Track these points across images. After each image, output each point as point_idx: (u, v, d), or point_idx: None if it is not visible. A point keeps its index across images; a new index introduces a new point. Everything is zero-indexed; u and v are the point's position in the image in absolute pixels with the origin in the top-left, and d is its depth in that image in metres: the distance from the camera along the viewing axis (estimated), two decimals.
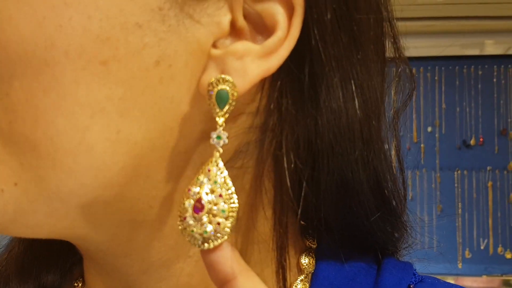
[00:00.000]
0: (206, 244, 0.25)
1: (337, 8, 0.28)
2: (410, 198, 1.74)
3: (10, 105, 0.25)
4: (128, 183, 0.27)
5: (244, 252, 0.32)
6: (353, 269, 0.34)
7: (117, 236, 0.29)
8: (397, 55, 0.33)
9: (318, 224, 0.32)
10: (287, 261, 0.31)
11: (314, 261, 0.34)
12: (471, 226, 1.72)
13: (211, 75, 0.27)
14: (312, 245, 0.35)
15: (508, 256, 1.70)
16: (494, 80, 1.74)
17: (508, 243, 1.71)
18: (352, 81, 0.29)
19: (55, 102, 0.25)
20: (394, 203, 0.33)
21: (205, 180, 0.26)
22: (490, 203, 1.72)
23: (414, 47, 1.34)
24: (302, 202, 0.30)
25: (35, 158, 0.25)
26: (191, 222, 0.26)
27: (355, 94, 0.29)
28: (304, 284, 0.33)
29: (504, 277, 1.68)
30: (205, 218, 0.25)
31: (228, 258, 0.25)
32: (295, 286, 0.33)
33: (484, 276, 1.68)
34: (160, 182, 0.28)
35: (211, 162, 0.26)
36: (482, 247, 1.71)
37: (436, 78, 1.77)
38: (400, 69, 0.34)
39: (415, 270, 0.35)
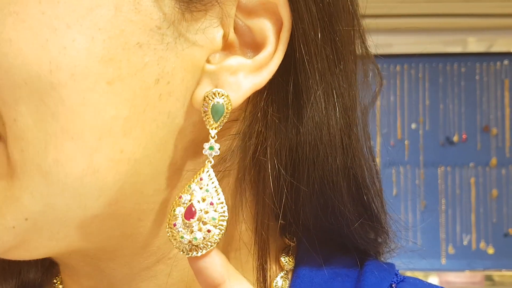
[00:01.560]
0: (194, 252, 0.26)
1: (321, 22, 0.29)
2: (394, 194, 1.75)
3: (18, 132, 0.25)
4: (124, 200, 0.27)
5: (226, 250, 0.32)
6: (334, 268, 0.35)
7: (105, 247, 0.29)
8: (365, 54, 0.34)
9: (297, 228, 0.33)
10: (268, 259, 0.31)
11: (293, 259, 0.35)
12: (454, 222, 1.74)
13: (205, 89, 0.27)
14: (291, 243, 0.36)
15: (490, 251, 1.71)
16: (477, 77, 1.75)
17: (491, 238, 1.72)
18: (334, 92, 0.30)
19: (64, 126, 0.25)
20: (375, 208, 0.33)
21: (197, 188, 0.26)
22: (473, 199, 1.74)
23: (397, 44, 1.34)
24: (283, 207, 0.31)
25: (46, 186, 0.25)
26: (181, 229, 0.26)
27: (336, 105, 0.30)
28: (284, 281, 0.34)
29: (486, 272, 1.70)
30: (195, 226, 0.26)
31: (217, 264, 0.25)
32: (276, 283, 0.33)
33: (467, 271, 1.70)
34: (151, 196, 0.29)
35: (203, 171, 0.27)
36: (465, 243, 1.73)
37: (420, 75, 1.78)
38: (369, 67, 0.35)
39: (397, 270, 0.35)
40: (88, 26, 0.25)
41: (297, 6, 0.28)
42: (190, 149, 0.29)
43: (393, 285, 0.35)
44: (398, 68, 1.78)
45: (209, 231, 0.26)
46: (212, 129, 0.27)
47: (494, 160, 1.74)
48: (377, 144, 1.77)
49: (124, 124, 0.26)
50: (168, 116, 0.27)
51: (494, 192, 1.73)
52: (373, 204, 0.34)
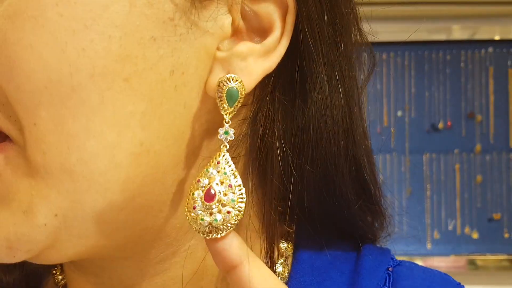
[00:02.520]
0: (214, 234, 0.26)
1: (323, 4, 0.30)
2: (380, 180, 1.77)
3: (39, 135, 0.25)
4: (146, 193, 0.28)
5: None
6: (333, 253, 0.36)
7: (123, 244, 0.30)
8: (361, 40, 0.35)
9: (301, 212, 0.33)
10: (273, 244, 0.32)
11: (292, 245, 0.36)
12: (439, 208, 1.76)
13: (218, 76, 0.28)
14: (289, 230, 0.36)
15: (474, 236, 1.74)
16: (462, 65, 1.77)
17: (475, 223, 1.75)
18: (337, 75, 0.32)
19: (85, 126, 0.25)
20: (372, 189, 0.34)
21: (214, 172, 0.27)
22: (457, 185, 1.76)
23: (384, 32, 1.35)
24: (287, 189, 0.32)
25: (72, 183, 0.26)
26: (200, 211, 0.27)
27: (339, 87, 0.32)
28: (284, 267, 0.34)
29: (470, 257, 1.73)
30: (215, 208, 0.26)
31: (235, 246, 0.26)
32: (276, 269, 0.34)
33: (452, 256, 1.73)
34: (171, 186, 0.29)
35: (219, 155, 0.28)
36: (450, 228, 1.75)
37: (405, 63, 1.79)
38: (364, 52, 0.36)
39: (393, 255, 0.36)
40: (105, 25, 0.25)
41: None
42: (206, 137, 0.30)
43: (389, 268, 0.37)
44: (384, 56, 1.79)
45: (228, 212, 0.26)
46: (226, 114, 0.28)
47: (478, 147, 1.76)
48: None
49: (142, 118, 0.26)
50: (184, 107, 0.28)
51: (479, 178, 1.75)
52: (371, 185, 0.35)
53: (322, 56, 0.30)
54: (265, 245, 0.32)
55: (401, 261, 0.38)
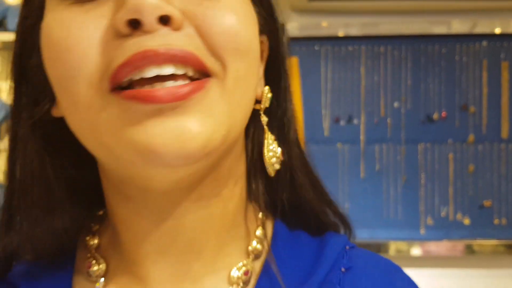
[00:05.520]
0: (273, 170, 0.44)
1: (283, 37, 0.46)
2: (376, 169, 1.84)
3: (238, 76, 0.39)
4: (240, 131, 0.42)
5: (242, 201, 0.45)
6: (302, 232, 0.47)
7: (200, 173, 0.40)
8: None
9: (277, 202, 0.46)
10: (253, 209, 0.46)
11: (271, 222, 0.47)
12: (433, 195, 1.84)
13: (262, 87, 0.45)
14: (267, 213, 0.47)
15: (466, 222, 1.82)
16: (457, 58, 1.83)
17: (467, 210, 1.83)
18: (288, 87, 0.47)
19: (253, 82, 0.42)
20: (321, 183, 0.45)
21: (270, 141, 0.44)
22: (450, 173, 1.84)
23: (381, 25, 1.43)
24: (268, 181, 0.46)
25: (238, 107, 0.40)
26: (271, 153, 0.44)
27: (289, 96, 0.47)
28: (261, 230, 0.45)
29: (466, 242, 1.80)
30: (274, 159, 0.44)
31: None
32: (256, 231, 0.45)
33: (445, 240, 1.81)
34: (240, 137, 0.43)
35: (266, 131, 0.44)
36: (443, 214, 1.83)
37: (402, 56, 1.85)
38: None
39: (348, 240, 0.46)
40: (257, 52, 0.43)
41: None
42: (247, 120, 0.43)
43: (346, 247, 0.46)
44: (382, 49, 1.85)
45: (276, 157, 0.43)
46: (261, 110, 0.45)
47: (471, 137, 1.83)
48: (362, 122, 1.86)
49: (254, 96, 0.43)
50: (253, 91, 0.42)
51: (471, 167, 1.83)
52: (319, 180, 0.49)
53: (286, 74, 0.48)
54: (249, 209, 0.46)
55: (355, 245, 0.47)
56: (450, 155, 1.84)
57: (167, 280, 0.42)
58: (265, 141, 0.43)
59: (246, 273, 0.43)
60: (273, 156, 0.43)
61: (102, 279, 0.44)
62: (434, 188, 1.84)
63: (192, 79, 0.36)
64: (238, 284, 0.43)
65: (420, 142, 1.85)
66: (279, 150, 0.44)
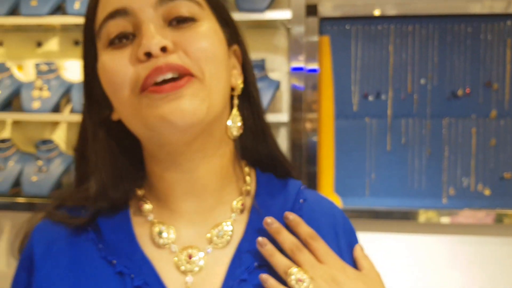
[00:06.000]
0: (231, 134, 0.67)
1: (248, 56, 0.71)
2: (403, 142, 1.96)
3: (211, 76, 0.61)
4: (222, 112, 0.65)
5: (233, 158, 0.69)
6: (272, 177, 0.72)
7: (200, 138, 0.64)
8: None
9: (257, 153, 0.71)
10: (242, 166, 0.70)
11: (254, 171, 0.72)
12: (455, 167, 1.94)
13: (237, 80, 0.68)
14: (250, 166, 0.72)
15: (486, 192, 1.93)
16: (481, 36, 1.91)
17: (488, 181, 1.93)
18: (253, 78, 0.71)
19: (221, 80, 0.63)
20: (277, 144, 0.71)
21: (235, 116, 0.67)
22: (473, 147, 1.94)
23: (410, 5, 1.59)
24: (243, 142, 0.70)
25: (215, 94, 0.63)
26: (233, 128, 0.66)
27: (256, 85, 0.71)
28: (251, 178, 0.70)
29: (498, 211, 1.89)
30: (235, 128, 0.67)
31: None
32: (247, 177, 0.70)
33: (466, 209, 1.91)
34: (223, 112, 0.65)
35: (234, 109, 0.67)
36: (464, 185, 1.94)
37: (429, 34, 1.94)
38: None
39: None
40: (225, 58, 0.65)
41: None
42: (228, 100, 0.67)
43: (301, 187, 0.70)
44: (410, 28, 1.94)
45: (236, 126, 0.67)
46: (235, 97, 0.68)
47: (494, 112, 1.92)
48: (389, 97, 1.97)
49: (228, 86, 0.66)
50: (228, 85, 0.66)
51: (493, 141, 1.92)
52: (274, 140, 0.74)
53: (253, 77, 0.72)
54: (238, 163, 0.70)
55: (305, 186, 0.73)
56: (473, 130, 1.93)
57: (193, 211, 0.66)
58: (231, 116, 0.67)
59: (242, 205, 0.67)
60: (234, 126, 0.67)
61: (152, 215, 0.67)
62: (456, 161, 1.94)
63: (182, 78, 0.60)
64: (237, 211, 0.67)
65: (445, 117, 1.95)
66: (239, 123, 0.67)
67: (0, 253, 2.18)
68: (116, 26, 0.61)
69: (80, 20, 2.08)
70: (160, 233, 0.65)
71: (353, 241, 0.71)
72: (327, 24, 1.97)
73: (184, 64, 0.59)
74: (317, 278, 0.61)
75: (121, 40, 0.61)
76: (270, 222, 0.64)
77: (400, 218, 1.93)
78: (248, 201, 0.68)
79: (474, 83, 1.93)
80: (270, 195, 0.68)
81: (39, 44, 2.13)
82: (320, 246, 0.64)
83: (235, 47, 0.69)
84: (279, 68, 2.01)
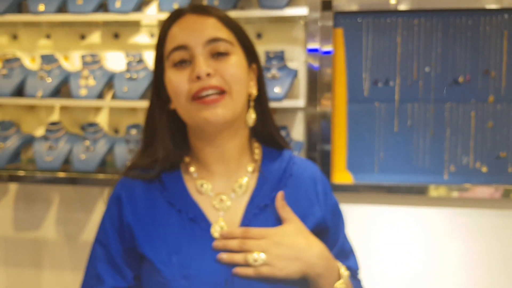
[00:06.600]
0: (249, 123, 1.00)
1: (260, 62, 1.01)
2: (408, 125, 2.14)
3: (238, 92, 0.94)
4: (242, 113, 0.96)
5: (246, 139, 1.00)
6: (273, 149, 1.03)
7: (227, 128, 0.95)
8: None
9: (263, 134, 1.01)
10: (253, 143, 1.04)
11: (260, 145, 1.03)
12: (456, 147, 2.11)
13: (255, 88, 0.99)
14: (259, 142, 1.04)
15: (484, 170, 2.10)
16: (481, 28, 2.07)
17: (485, 160, 2.09)
18: (264, 88, 1.02)
19: (243, 95, 0.96)
20: (278, 127, 1.00)
21: (251, 113, 0.96)
22: (472, 128, 2.09)
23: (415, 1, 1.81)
24: (257, 124, 1.01)
25: (236, 103, 0.94)
26: (250, 119, 0.98)
27: (266, 93, 1.02)
28: (258, 150, 1.02)
29: (506, 187, 2.03)
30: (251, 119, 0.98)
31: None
32: (254, 150, 1.02)
33: (465, 184, 2.10)
34: (243, 111, 0.96)
35: (251, 108, 0.98)
36: (464, 163, 2.12)
37: (433, 27, 2.09)
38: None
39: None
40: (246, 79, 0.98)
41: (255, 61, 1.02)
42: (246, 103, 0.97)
43: (292, 155, 0.99)
44: (416, 21, 2.12)
45: (251, 118, 0.99)
46: (252, 101, 1.01)
47: (491, 98, 2.08)
48: (397, 84, 2.16)
49: (246, 95, 0.97)
50: (246, 92, 0.96)
51: (490, 123, 2.08)
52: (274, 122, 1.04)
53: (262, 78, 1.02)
54: (251, 142, 1.02)
55: (295, 154, 1.06)
56: (473, 113, 2.09)
57: (222, 171, 0.97)
58: (248, 113, 0.97)
59: (253, 168, 0.99)
60: (249, 119, 0.97)
61: (196, 174, 0.98)
62: (457, 141, 2.11)
63: (218, 94, 0.90)
64: (250, 172, 0.98)
65: (447, 101, 2.10)
66: (253, 116, 0.97)
67: (49, 222, 2.46)
68: (179, 55, 0.92)
69: (121, 17, 2.44)
70: (201, 185, 0.96)
71: (327, 189, 1.03)
72: (340, 17, 2.13)
73: (220, 84, 0.90)
74: (266, 250, 0.87)
75: (182, 64, 0.92)
76: (227, 235, 0.91)
77: (405, 192, 2.13)
78: (257, 166, 1.00)
79: (474, 71, 2.08)
80: (271, 161, 1.01)
81: (83, 37, 2.37)
82: (253, 231, 0.90)
83: (254, 65, 0.99)
84: (297, 58, 2.21)
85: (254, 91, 0.98)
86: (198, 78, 0.89)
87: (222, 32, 0.93)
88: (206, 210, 0.93)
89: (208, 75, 0.89)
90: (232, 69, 0.91)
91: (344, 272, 0.93)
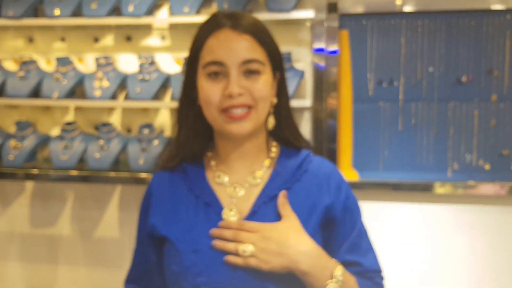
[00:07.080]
0: (269, 127, 1.07)
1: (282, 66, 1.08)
2: (412, 123, 2.19)
3: (262, 108, 1.05)
4: (263, 123, 1.05)
5: (264, 138, 1.09)
6: (291, 149, 1.10)
7: (255, 133, 1.05)
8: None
9: (281, 136, 1.09)
10: (270, 142, 1.13)
11: (278, 144, 1.12)
12: (459, 145, 2.14)
13: (275, 97, 1.06)
14: (276, 142, 1.13)
15: (486, 167, 2.13)
16: (483, 29, 2.11)
17: (488, 157, 2.13)
18: (286, 96, 1.10)
19: (266, 109, 1.06)
20: (298, 130, 1.07)
21: (271, 118, 1.05)
22: (475, 127, 2.13)
23: (419, 2, 1.92)
24: (276, 128, 1.09)
25: (260, 116, 1.05)
26: (270, 124, 1.07)
27: (286, 94, 1.10)
28: (276, 148, 1.12)
29: (511, 184, 2.06)
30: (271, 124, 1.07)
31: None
32: (272, 148, 1.12)
33: (469, 181, 2.14)
34: (265, 117, 1.04)
35: (271, 115, 1.07)
36: (467, 161, 2.16)
37: (437, 28, 2.13)
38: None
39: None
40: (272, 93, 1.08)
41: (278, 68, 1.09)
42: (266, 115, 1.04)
43: (310, 154, 1.06)
44: (419, 22, 2.16)
45: (271, 123, 1.09)
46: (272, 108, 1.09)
47: (494, 97, 2.11)
48: (401, 84, 2.21)
49: (269, 107, 1.07)
50: (270, 101, 1.07)
51: (493, 122, 2.12)
52: (296, 126, 1.13)
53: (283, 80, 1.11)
54: (269, 141, 1.12)
55: (313, 153, 1.13)
56: (476, 112, 2.13)
57: (239, 166, 1.08)
58: (268, 119, 1.06)
59: (269, 164, 1.08)
60: (270, 123, 1.06)
61: (216, 166, 1.10)
62: (460, 139, 2.15)
63: (246, 109, 1.00)
64: (265, 167, 1.08)
65: (450, 101, 2.14)
66: (272, 121, 1.06)
67: (64, 219, 2.54)
68: (215, 68, 1.01)
69: (134, 21, 2.52)
70: (219, 176, 1.08)
71: (342, 185, 1.08)
72: (346, 19, 2.18)
73: (248, 102, 1.00)
74: (255, 243, 0.96)
75: (216, 75, 1.01)
76: (220, 228, 1.01)
77: (409, 190, 2.17)
78: (273, 162, 1.09)
79: (477, 70, 2.12)
80: (287, 158, 1.09)
81: (96, 40, 2.45)
82: (248, 224, 0.99)
83: (277, 74, 1.07)
84: (303, 59, 2.27)
85: (274, 100, 1.07)
86: (230, 96, 0.98)
87: (256, 53, 1.01)
88: (220, 197, 1.05)
89: (239, 93, 0.99)
90: (261, 87, 1.01)
91: (338, 272, 0.97)
